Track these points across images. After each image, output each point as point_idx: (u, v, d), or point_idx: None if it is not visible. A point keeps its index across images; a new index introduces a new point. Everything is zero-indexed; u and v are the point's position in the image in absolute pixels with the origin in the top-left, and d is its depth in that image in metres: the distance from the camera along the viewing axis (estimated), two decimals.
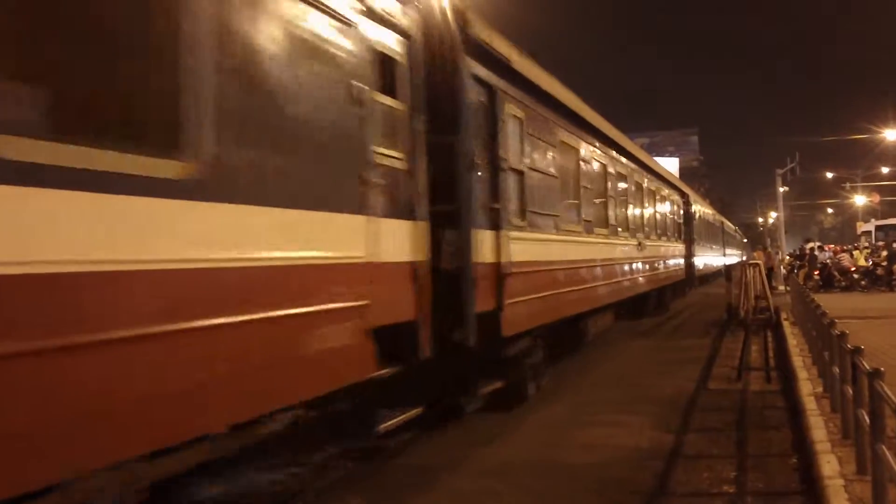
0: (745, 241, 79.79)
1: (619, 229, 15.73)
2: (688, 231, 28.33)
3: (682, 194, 28.60)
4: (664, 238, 22.51)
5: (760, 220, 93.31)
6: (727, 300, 19.51)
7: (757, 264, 15.03)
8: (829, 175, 67.02)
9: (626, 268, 16.34)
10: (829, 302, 15.60)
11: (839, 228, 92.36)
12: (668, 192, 24.71)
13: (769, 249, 38.18)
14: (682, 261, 26.22)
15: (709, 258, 38.16)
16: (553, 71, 11.75)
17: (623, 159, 17.01)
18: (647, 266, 19.01)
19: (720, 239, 47.04)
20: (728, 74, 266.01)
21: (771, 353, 12.90)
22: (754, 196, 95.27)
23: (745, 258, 48.59)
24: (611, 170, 15.27)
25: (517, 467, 7.27)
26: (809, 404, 8.47)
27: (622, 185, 16.60)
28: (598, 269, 13.42)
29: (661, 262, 21.55)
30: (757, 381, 11.40)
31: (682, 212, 27.68)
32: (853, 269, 27.08)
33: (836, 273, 26.90)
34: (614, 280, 14.84)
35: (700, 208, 34.58)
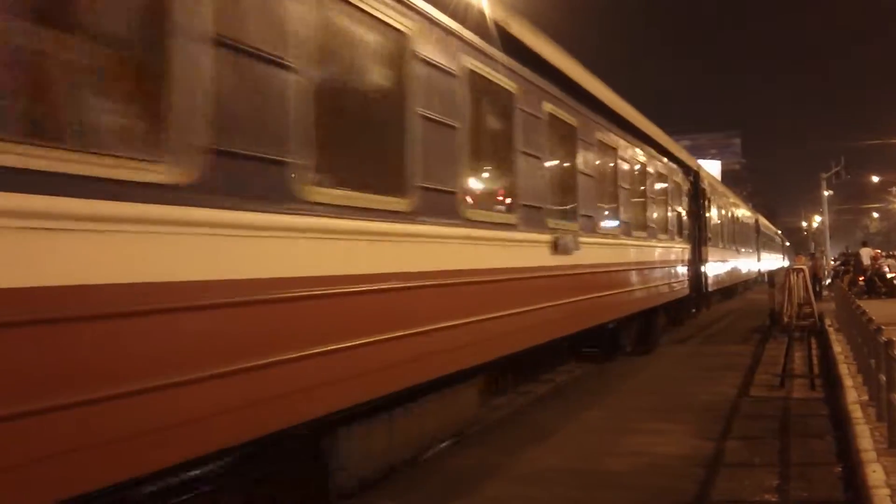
0: (787, 244, 78.11)
1: (521, 216, 8.13)
2: (697, 226, 19.32)
3: (688, 171, 19.18)
4: (642, 235, 13.61)
5: (804, 224, 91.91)
6: (770, 306, 19.25)
7: (801, 270, 14.84)
8: (875, 179, 65.82)
9: (529, 287, 8.23)
10: (873, 308, 15.29)
11: (885, 233, 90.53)
12: (656, 163, 15.34)
13: (815, 254, 37.61)
14: (684, 270, 17.48)
15: (734, 265, 29.04)
16: (596, 71, 10.95)
17: (535, 78, 8.74)
18: (603, 281, 10.90)
19: (753, 241, 38.45)
20: (771, 75, 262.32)
21: (815, 360, 12.69)
22: (798, 200, 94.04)
23: (786, 264, 47.37)
24: (491, 88, 7.68)
25: (556, 474, 7.24)
26: (855, 412, 8.31)
27: (529, 129, 8.49)
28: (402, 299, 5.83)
29: (636, 272, 12.97)
30: (800, 389, 11.22)
31: (685, 198, 18.60)
32: (893, 275, 26.70)
33: (876, 279, 26.55)
34: (482, 317, 6.98)
35: (719, 197, 26.00)
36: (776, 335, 16.75)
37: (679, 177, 17.99)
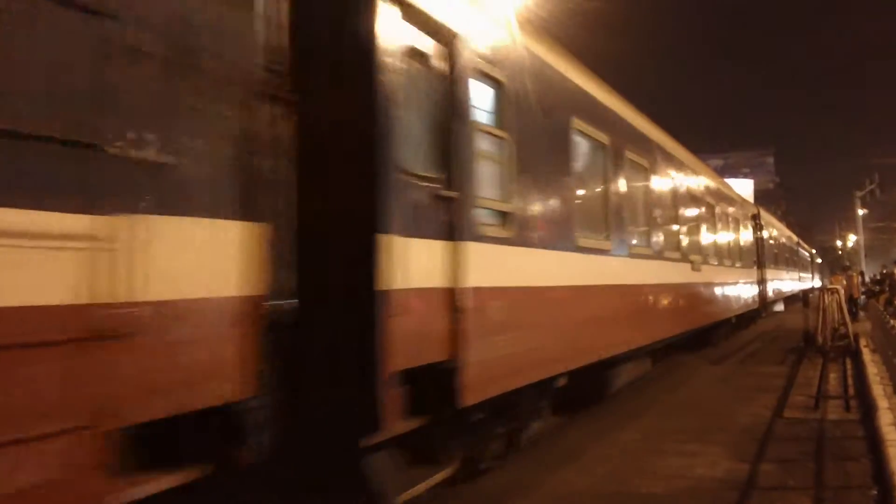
0: (820, 262, 76.24)
1: None
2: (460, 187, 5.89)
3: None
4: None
5: (839, 243, 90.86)
6: (804, 327, 19.08)
7: (836, 290, 14.75)
8: None
9: None
10: None
11: None
12: None
13: (852, 272, 37.13)
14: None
15: (672, 291, 13.72)
16: (626, 90, 10.88)
17: None
18: None
19: (742, 249, 23.18)
20: (805, 92, 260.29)
21: (850, 381, 12.57)
22: (833, 219, 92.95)
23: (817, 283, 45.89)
24: None
25: (589, 497, 7.27)
26: (890, 434, 8.26)
27: None
28: None
29: None
30: (835, 410, 11.13)
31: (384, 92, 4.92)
32: None
33: None
34: None
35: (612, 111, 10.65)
36: (811, 356, 16.61)
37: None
